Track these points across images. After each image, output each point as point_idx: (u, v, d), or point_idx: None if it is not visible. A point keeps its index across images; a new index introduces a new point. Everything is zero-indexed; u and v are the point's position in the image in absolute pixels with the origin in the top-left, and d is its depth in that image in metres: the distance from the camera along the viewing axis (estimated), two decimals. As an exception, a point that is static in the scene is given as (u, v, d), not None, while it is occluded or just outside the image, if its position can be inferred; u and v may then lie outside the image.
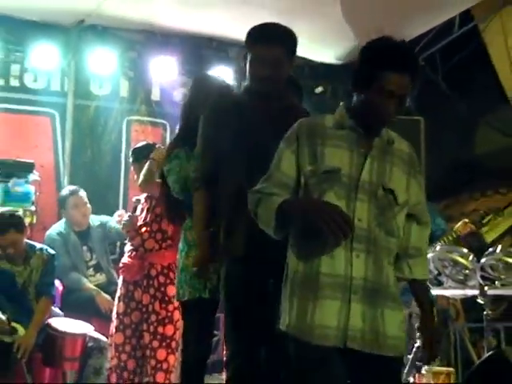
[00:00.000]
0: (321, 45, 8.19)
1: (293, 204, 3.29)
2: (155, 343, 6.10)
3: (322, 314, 3.18)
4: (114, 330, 6.28)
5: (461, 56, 8.11)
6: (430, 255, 6.73)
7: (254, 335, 4.22)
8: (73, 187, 7.65)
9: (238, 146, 4.29)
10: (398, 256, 3.43)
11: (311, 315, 3.20)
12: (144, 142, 6.97)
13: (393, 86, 3.25)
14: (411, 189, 3.46)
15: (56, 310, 6.62)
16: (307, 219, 3.20)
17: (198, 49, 8.56)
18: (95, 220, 7.58)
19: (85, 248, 7.42)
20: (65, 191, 7.69)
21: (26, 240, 6.40)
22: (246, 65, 4.41)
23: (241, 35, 7.97)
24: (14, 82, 8.68)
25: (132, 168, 6.76)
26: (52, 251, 6.53)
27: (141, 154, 6.49)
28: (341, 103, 3.52)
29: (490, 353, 5.07)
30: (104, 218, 7.68)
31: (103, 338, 6.30)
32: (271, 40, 4.28)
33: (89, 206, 7.56)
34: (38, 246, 6.52)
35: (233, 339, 4.32)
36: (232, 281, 4.28)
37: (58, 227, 7.51)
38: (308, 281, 3.26)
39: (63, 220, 7.54)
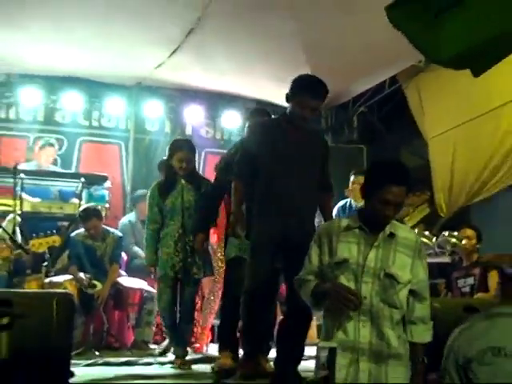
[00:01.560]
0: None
1: (320, 288, 3.19)
2: None
3: (338, 366, 3.05)
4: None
5: (390, 105, 8.11)
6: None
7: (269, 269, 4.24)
8: (145, 190, 7.56)
9: (272, 157, 4.23)
10: (405, 321, 3.23)
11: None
12: None
13: (391, 196, 3.09)
14: (415, 269, 3.22)
15: (122, 272, 6.59)
16: (329, 298, 3.12)
17: (216, 100, 8.54)
18: None
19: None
20: (140, 192, 7.58)
21: (103, 225, 6.39)
22: (289, 99, 4.24)
23: (244, 92, 8.05)
24: (95, 123, 8.65)
25: None
26: (120, 234, 6.56)
27: None
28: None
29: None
30: None
31: (154, 291, 6.23)
32: (319, 94, 4.19)
33: None
34: (111, 230, 6.55)
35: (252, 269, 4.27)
36: (255, 233, 4.28)
37: (129, 217, 7.53)
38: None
39: (133, 212, 7.51)
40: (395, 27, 3.24)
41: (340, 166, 6.79)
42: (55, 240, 5.83)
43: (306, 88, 4.15)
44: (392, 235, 3.21)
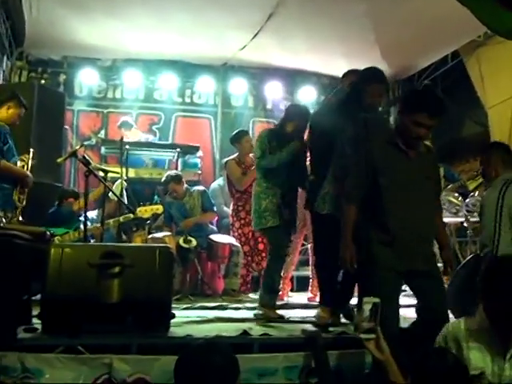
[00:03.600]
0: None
1: None
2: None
3: None
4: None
5: (452, 78, 7.84)
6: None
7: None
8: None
9: (392, 181, 3.44)
10: None
11: None
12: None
13: None
14: None
15: (214, 228, 6.66)
16: None
17: (294, 77, 8.46)
18: None
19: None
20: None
21: (186, 186, 6.49)
22: (402, 114, 3.45)
23: (319, 69, 7.94)
24: (187, 100, 8.78)
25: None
26: (203, 188, 6.68)
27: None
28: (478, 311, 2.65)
29: (471, 256, 4.89)
30: None
31: (239, 245, 6.28)
32: (438, 111, 3.35)
33: None
34: (196, 187, 6.64)
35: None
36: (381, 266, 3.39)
37: (218, 181, 7.54)
38: None
39: (222, 177, 7.43)
40: (459, 1, 3.12)
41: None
42: (158, 208, 6.00)
43: (423, 106, 3.33)
44: None
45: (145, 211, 5.80)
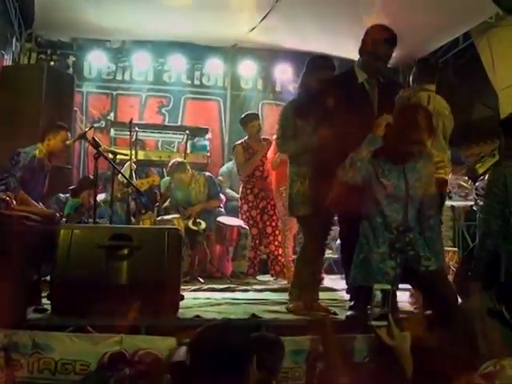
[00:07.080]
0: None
1: None
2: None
3: None
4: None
5: (464, 60, 7.75)
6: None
7: None
8: None
9: None
10: None
11: None
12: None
13: None
14: None
15: (222, 210, 6.64)
16: None
17: (303, 59, 8.30)
18: None
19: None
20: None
21: (191, 172, 6.42)
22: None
23: (328, 51, 7.84)
24: (197, 82, 8.73)
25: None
26: (209, 174, 6.65)
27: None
28: None
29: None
30: None
31: (247, 227, 6.27)
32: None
33: None
34: (201, 172, 6.61)
35: None
36: None
37: (227, 165, 7.58)
38: None
39: (232, 161, 7.37)
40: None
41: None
42: (155, 180, 6.05)
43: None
44: None
45: (141, 184, 5.82)
